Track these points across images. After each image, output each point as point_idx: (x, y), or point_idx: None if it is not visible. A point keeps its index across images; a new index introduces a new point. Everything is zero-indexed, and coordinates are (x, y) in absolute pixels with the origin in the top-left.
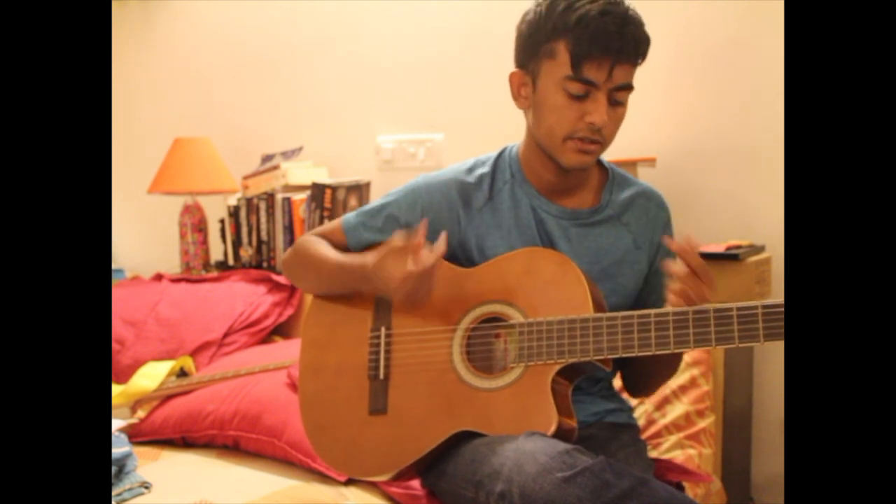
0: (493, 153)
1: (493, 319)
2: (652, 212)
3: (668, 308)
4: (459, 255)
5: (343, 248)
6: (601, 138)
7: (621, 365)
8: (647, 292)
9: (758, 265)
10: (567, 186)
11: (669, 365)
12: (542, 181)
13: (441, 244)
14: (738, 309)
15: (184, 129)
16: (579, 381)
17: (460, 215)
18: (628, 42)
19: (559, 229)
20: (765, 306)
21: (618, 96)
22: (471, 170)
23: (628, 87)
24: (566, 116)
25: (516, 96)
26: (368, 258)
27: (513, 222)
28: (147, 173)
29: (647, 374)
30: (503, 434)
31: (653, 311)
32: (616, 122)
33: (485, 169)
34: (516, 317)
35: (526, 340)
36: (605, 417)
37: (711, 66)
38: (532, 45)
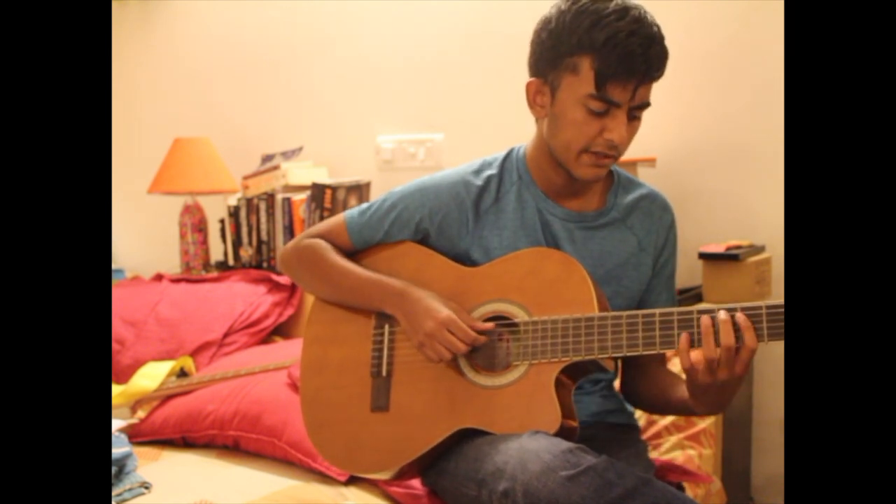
0: (500, 154)
1: (498, 318)
2: (656, 214)
3: (673, 308)
4: (464, 256)
5: (347, 247)
6: (616, 153)
7: (633, 375)
8: (650, 294)
9: (758, 265)
10: (574, 190)
11: (684, 407)
12: (550, 184)
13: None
14: (743, 310)
15: (184, 129)
16: (581, 381)
17: (469, 217)
18: (652, 64)
19: (564, 231)
20: (768, 307)
21: (636, 112)
22: (478, 171)
23: (647, 105)
24: (585, 132)
25: (532, 104)
26: (413, 288)
27: (518, 224)
28: (147, 173)
29: (662, 406)
30: (506, 432)
31: (657, 311)
32: (632, 135)
33: (492, 170)
34: (521, 315)
35: (530, 339)
36: (606, 418)
37: (711, 67)
38: (553, 56)
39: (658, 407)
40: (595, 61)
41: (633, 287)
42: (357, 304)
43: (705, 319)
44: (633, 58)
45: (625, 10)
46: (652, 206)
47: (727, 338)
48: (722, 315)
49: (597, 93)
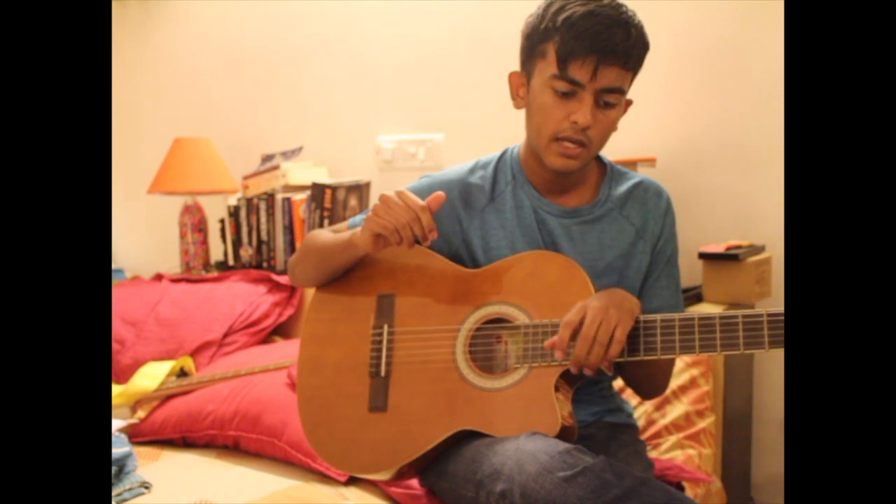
0: (496, 154)
1: (499, 321)
2: (651, 201)
3: (674, 315)
4: (464, 256)
5: None
6: (586, 139)
7: (622, 372)
8: (648, 279)
9: (758, 265)
10: (566, 185)
11: (668, 364)
12: (542, 181)
13: (441, 196)
14: (744, 317)
15: (184, 129)
16: (579, 384)
17: (462, 216)
18: (616, 43)
19: (561, 228)
20: (770, 314)
21: (607, 98)
22: (473, 170)
23: (617, 91)
24: (552, 115)
25: (514, 96)
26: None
27: (515, 223)
28: (147, 173)
29: (650, 377)
30: (505, 434)
31: (658, 317)
32: (604, 124)
33: (487, 170)
34: (521, 318)
35: (531, 342)
36: (604, 417)
37: (711, 66)
38: (529, 46)
39: (653, 385)
40: (556, 42)
41: (635, 276)
42: (341, 262)
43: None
44: (592, 36)
45: None
46: (646, 194)
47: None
48: None
49: (559, 72)
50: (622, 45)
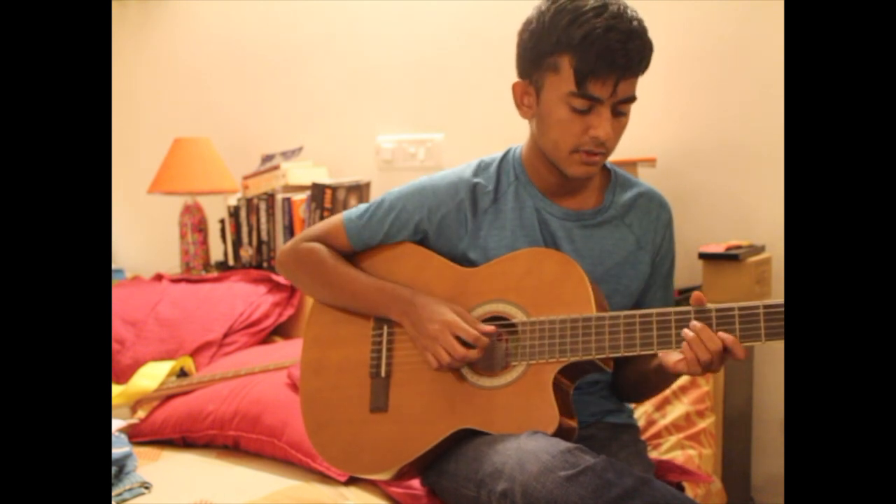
0: (498, 154)
1: (496, 318)
2: (654, 212)
3: (670, 308)
4: (463, 256)
5: (345, 249)
6: (605, 150)
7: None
8: (647, 291)
9: (758, 265)
10: (571, 188)
11: (664, 380)
12: (546, 183)
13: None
14: (740, 309)
15: (184, 129)
16: (579, 381)
17: (467, 217)
18: (633, 58)
19: (563, 230)
20: (766, 306)
21: (622, 108)
22: (476, 171)
23: (632, 99)
24: (570, 130)
25: (519, 105)
26: (420, 295)
27: (517, 223)
28: (147, 173)
29: (640, 383)
30: (504, 432)
31: (655, 311)
32: (619, 131)
33: (490, 171)
34: (519, 316)
35: (528, 339)
36: (604, 418)
37: (711, 66)
38: (535, 56)
39: (639, 386)
40: (574, 59)
41: (632, 285)
42: (360, 309)
43: (687, 333)
44: (611, 53)
45: (603, 7)
46: (650, 204)
47: (713, 343)
48: (697, 325)
49: (578, 90)
50: (638, 57)
